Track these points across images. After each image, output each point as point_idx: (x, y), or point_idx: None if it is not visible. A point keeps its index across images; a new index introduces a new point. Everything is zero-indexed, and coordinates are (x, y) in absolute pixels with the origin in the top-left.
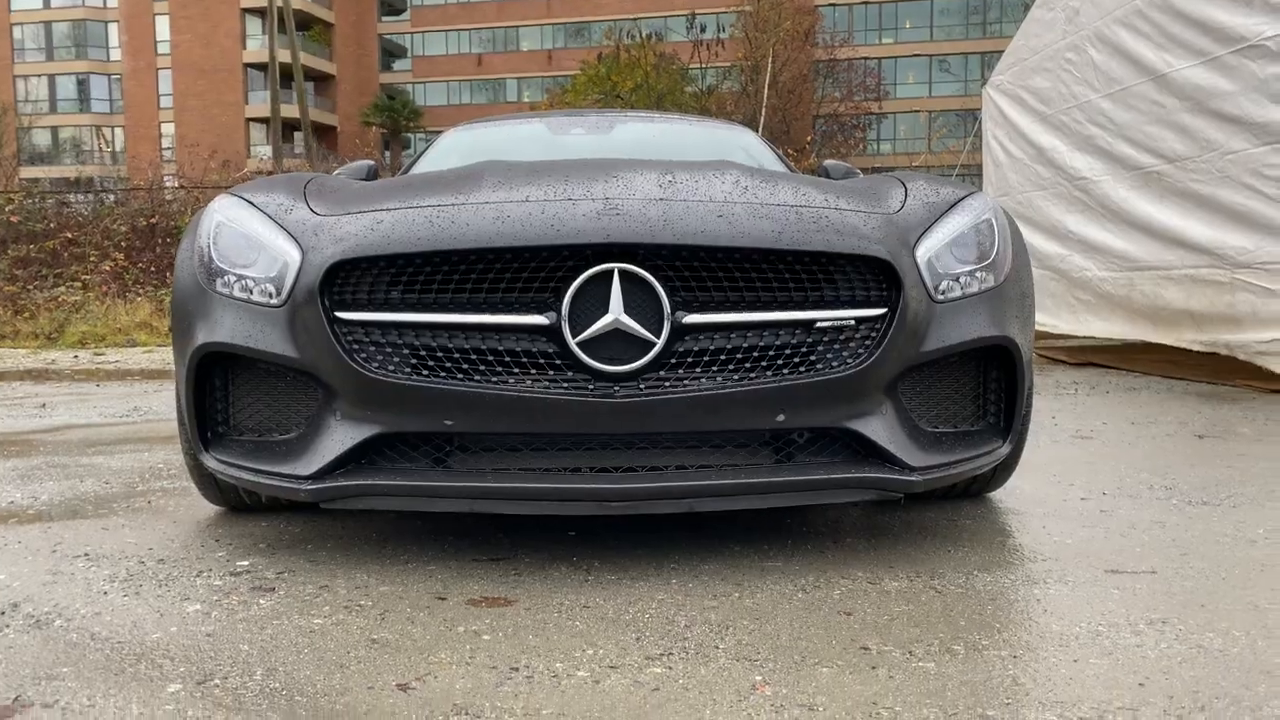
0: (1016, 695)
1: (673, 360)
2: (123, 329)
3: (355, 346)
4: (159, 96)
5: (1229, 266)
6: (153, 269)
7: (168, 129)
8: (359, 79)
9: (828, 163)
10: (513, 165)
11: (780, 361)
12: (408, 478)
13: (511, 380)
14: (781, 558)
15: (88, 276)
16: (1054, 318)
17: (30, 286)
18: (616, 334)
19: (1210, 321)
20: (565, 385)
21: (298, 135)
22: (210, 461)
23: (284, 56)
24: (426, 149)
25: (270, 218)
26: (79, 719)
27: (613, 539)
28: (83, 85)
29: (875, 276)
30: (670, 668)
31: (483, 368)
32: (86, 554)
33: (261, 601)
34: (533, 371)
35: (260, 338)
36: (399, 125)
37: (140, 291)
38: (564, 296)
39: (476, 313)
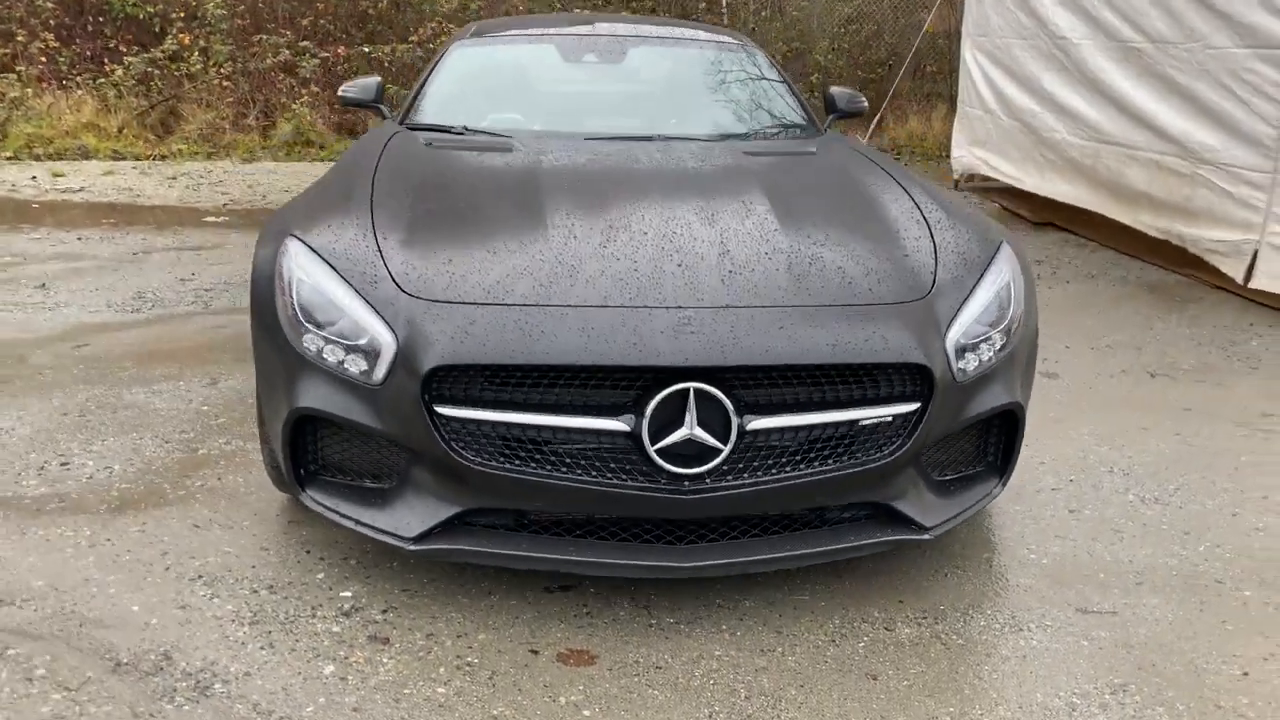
0: None
1: (736, 459)
2: (69, 131)
3: (453, 437)
4: None
5: (1193, 160)
6: (88, 53)
7: None
8: None
9: (833, 90)
10: (564, 187)
11: (826, 453)
12: (500, 545)
13: (589, 473)
14: (807, 591)
15: (21, 68)
16: (1020, 171)
17: None
18: (695, 441)
19: (1168, 210)
20: (640, 479)
21: None
22: (309, 503)
23: None
24: (435, 68)
25: (350, 281)
26: None
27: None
28: None
29: (912, 376)
30: None
31: (568, 460)
32: (200, 576)
33: (384, 661)
34: (611, 466)
35: (356, 410)
36: None
37: (77, 82)
38: (645, 408)
39: (564, 415)
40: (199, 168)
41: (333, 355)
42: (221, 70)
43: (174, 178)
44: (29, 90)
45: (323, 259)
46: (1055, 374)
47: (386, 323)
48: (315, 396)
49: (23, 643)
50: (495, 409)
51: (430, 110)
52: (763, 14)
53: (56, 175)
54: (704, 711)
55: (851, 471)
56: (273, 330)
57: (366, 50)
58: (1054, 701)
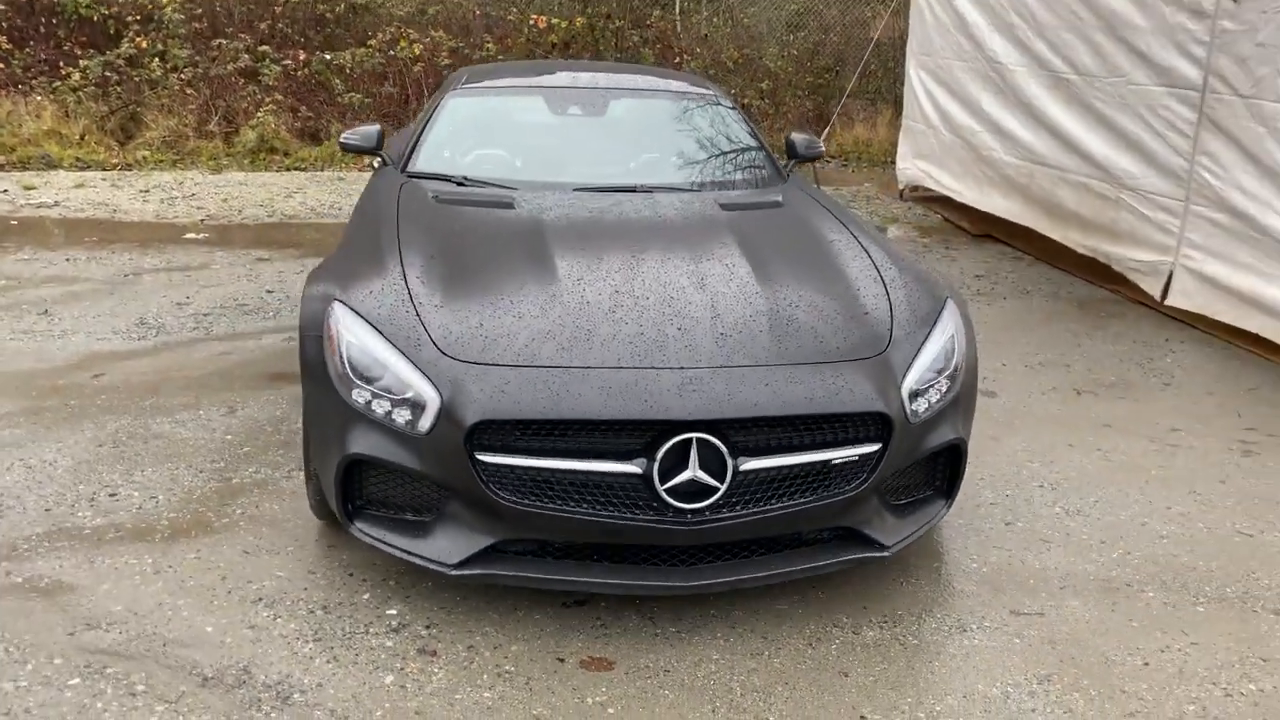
0: None
1: (731, 495)
2: (30, 139)
3: (492, 479)
4: None
5: (1116, 185)
6: (42, 57)
7: None
8: None
9: (794, 136)
10: (571, 246)
11: (804, 487)
12: (529, 569)
13: (608, 509)
14: (786, 601)
15: None
16: (961, 184)
17: None
18: (696, 481)
19: (1095, 229)
20: (649, 513)
21: None
22: (358, 534)
23: None
24: (431, 117)
25: (395, 343)
26: None
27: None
28: None
29: (875, 422)
30: None
31: (589, 498)
32: (260, 599)
33: (435, 671)
34: (626, 502)
35: (403, 456)
36: None
37: (34, 86)
38: (655, 454)
39: (587, 460)
40: (168, 179)
41: (380, 407)
42: (181, 75)
43: (146, 190)
44: None
45: (367, 322)
46: (994, 392)
47: (431, 381)
48: (365, 444)
49: (118, 662)
50: (528, 455)
51: (430, 159)
52: (714, 20)
53: (28, 188)
54: (707, 707)
55: (825, 502)
56: (323, 384)
57: (327, 57)
58: (992, 691)
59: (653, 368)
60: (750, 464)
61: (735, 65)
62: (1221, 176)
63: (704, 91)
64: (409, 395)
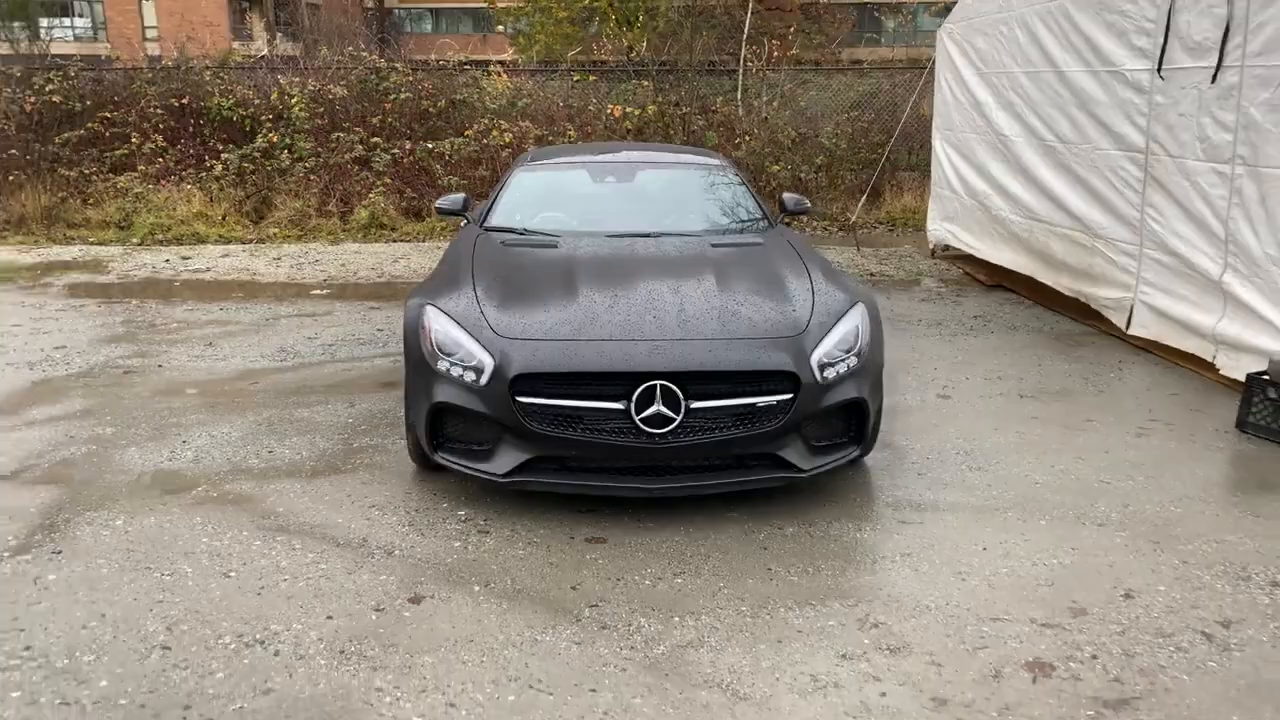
0: (844, 590)
1: (685, 424)
2: (182, 220)
3: (525, 414)
4: None
5: (1091, 235)
6: (191, 153)
7: None
8: None
9: (785, 195)
10: (591, 271)
11: (738, 422)
12: (552, 477)
13: (601, 432)
14: (737, 512)
15: (144, 166)
16: (979, 242)
17: (89, 172)
18: (658, 414)
19: (1078, 274)
20: (630, 436)
21: None
22: (440, 460)
23: None
24: (503, 187)
25: (466, 329)
26: (442, 604)
27: (646, 501)
28: None
29: (789, 377)
30: (685, 579)
31: (589, 426)
32: (373, 506)
33: (488, 540)
34: (614, 429)
35: (469, 401)
36: None
37: (185, 176)
38: (633, 394)
39: (589, 399)
40: (295, 249)
41: (455, 371)
42: (305, 164)
43: (278, 258)
44: (149, 186)
45: (449, 317)
46: (949, 396)
47: (489, 352)
48: (445, 395)
49: (281, 535)
50: (550, 397)
51: (501, 217)
52: (773, 104)
53: (185, 258)
54: (664, 562)
55: (754, 433)
56: (418, 360)
57: (430, 146)
58: (866, 559)
59: (633, 340)
60: (698, 404)
61: (792, 144)
62: (1163, 224)
63: (713, 163)
64: (473, 362)
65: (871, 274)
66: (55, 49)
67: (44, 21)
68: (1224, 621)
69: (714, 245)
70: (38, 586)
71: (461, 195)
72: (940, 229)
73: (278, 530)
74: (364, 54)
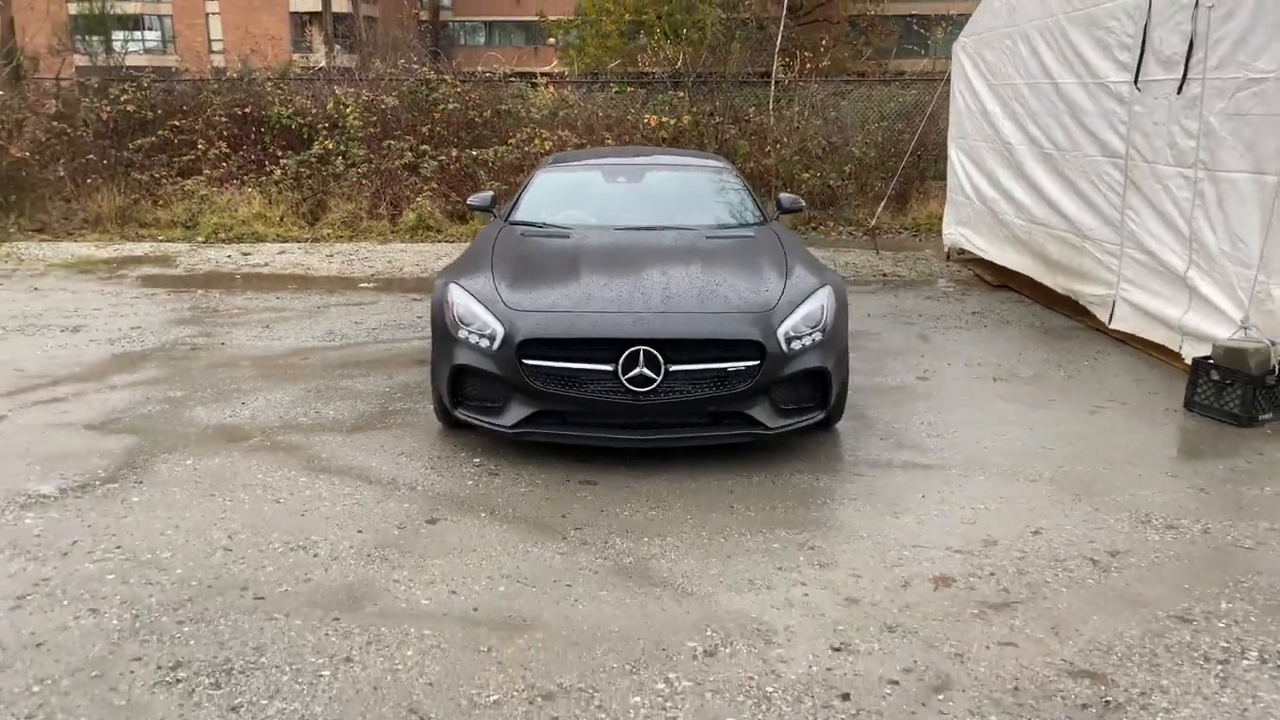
0: (792, 522)
1: (665, 384)
2: (243, 220)
3: (529, 374)
4: None
5: (1080, 236)
6: (252, 158)
7: None
8: None
9: (782, 195)
10: (594, 257)
11: (712, 384)
12: (553, 428)
13: (593, 390)
14: (714, 464)
15: (208, 170)
16: (988, 244)
17: (159, 176)
18: (641, 375)
19: (1070, 273)
20: (618, 394)
21: None
22: (459, 414)
23: None
24: (526, 186)
25: (482, 303)
26: (453, 525)
27: (636, 454)
28: None
29: (755, 346)
30: (659, 512)
31: (582, 384)
32: (401, 454)
33: (496, 480)
34: (604, 388)
35: (483, 363)
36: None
37: (246, 180)
38: (620, 357)
39: (583, 362)
40: (347, 248)
41: (472, 338)
42: (358, 170)
43: (330, 256)
44: (213, 189)
45: (469, 293)
46: (927, 379)
47: (501, 321)
48: (464, 358)
49: (324, 473)
50: (551, 360)
51: (523, 213)
52: (804, 114)
53: (245, 254)
54: (644, 500)
55: (725, 393)
56: (442, 331)
57: (474, 153)
58: (818, 500)
59: (621, 312)
60: (676, 367)
61: (823, 153)
62: (1139, 224)
63: (716, 164)
64: (488, 331)
65: (885, 274)
66: (128, 61)
67: (118, 35)
68: (1113, 552)
69: (708, 237)
70: (124, 505)
71: (490, 193)
72: (955, 233)
73: (320, 470)
74: (415, 66)
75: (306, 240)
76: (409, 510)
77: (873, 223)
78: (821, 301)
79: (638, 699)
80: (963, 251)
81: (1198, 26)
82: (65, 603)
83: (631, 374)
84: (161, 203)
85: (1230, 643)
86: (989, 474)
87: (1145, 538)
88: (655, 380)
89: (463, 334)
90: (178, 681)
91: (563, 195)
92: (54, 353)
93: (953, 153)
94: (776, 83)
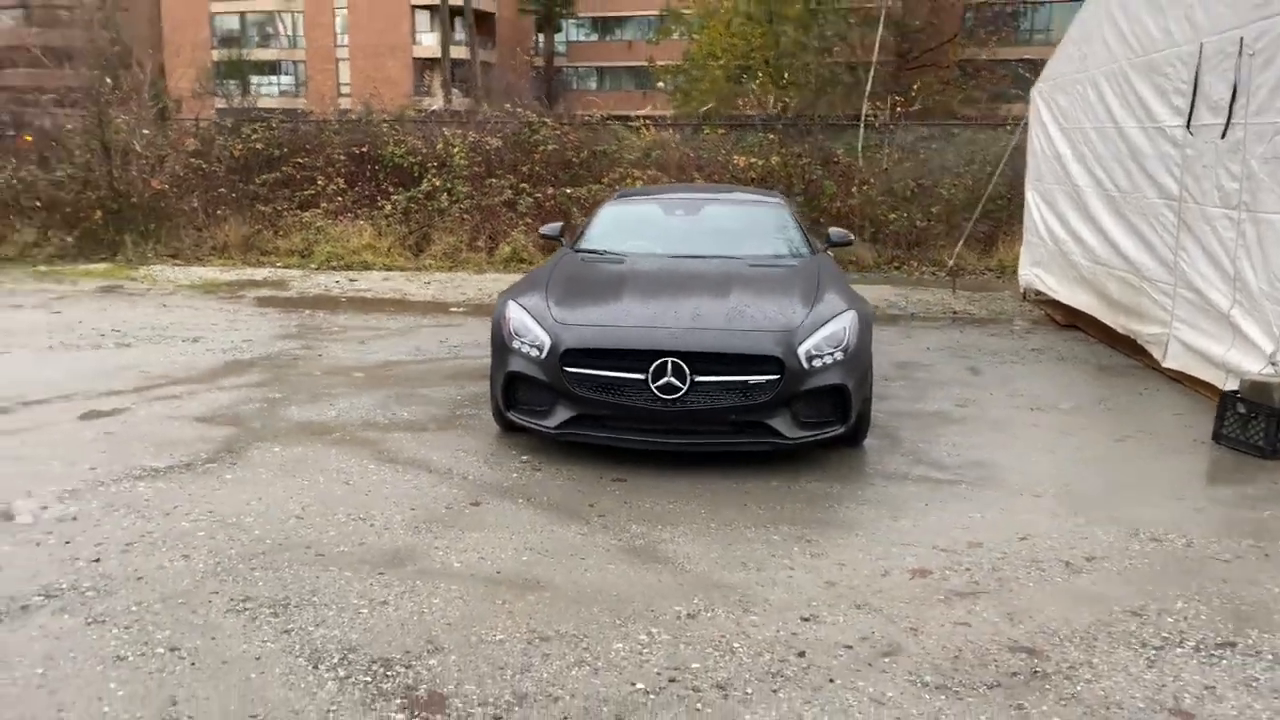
0: (795, 519)
1: (691, 393)
2: (354, 250)
3: (571, 380)
4: None
5: (1139, 276)
6: (366, 194)
7: (341, 14)
8: None
9: (831, 230)
10: (640, 280)
11: (734, 394)
12: (592, 429)
13: (627, 396)
14: (737, 469)
15: (325, 204)
16: (1058, 284)
17: (281, 208)
18: (669, 384)
19: (1129, 313)
20: (648, 400)
21: (459, 22)
22: (511, 416)
23: None
24: (593, 218)
25: (534, 318)
26: (492, 508)
27: (666, 457)
28: None
29: (776, 362)
30: (677, 506)
31: (617, 391)
32: (461, 450)
33: (538, 474)
34: (636, 394)
35: (532, 370)
36: (551, 13)
37: (359, 214)
38: (650, 367)
39: (618, 370)
40: (444, 276)
41: (524, 348)
42: (461, 205)
43: (428, 283)
44: (328, 221)
45: (524, 309)
46: (965, 406)
47: (549, 334)
48: (516, 365)
49: (394, 464)
50: (590, 368)
51: (588, 241)
52: (894, 156)
53: (352, 280)
54: (665, 496)
55: (747, 404)
56: (499, 341)
57: (569, 191)
58: (827, 505)
59: (653, 326)
60: (701, 378)
61: (910, 194)
62: (1190, 265)
63: (771, 200)
64: (538, 342)
65: (955, 312)
66: (262, 103)
67: (256, 79)
68: (1090, 557)
69: (751, 266)
70: (219, 481)
71: (559, 224)
72: (1029, 274)
73: (388, 460)
74: (521, 110)
75: (409, 269)
76: (457, 495)
77: (951, 262)
78: (845, 324)
79: (620, 645)
80: (1039, 293)
81: (1240, 74)
82: (163, 549)
83: (660, 382)
84: (281, 232)
85: (1171, 634)
86: (996, 489)
87: (1126, 547)
88: (682, 389)
89: (516, 344)
90: (244, 610)
91: (624, 226)
92: (175, 359)
93: (1029, 195)
94: (867, 125)
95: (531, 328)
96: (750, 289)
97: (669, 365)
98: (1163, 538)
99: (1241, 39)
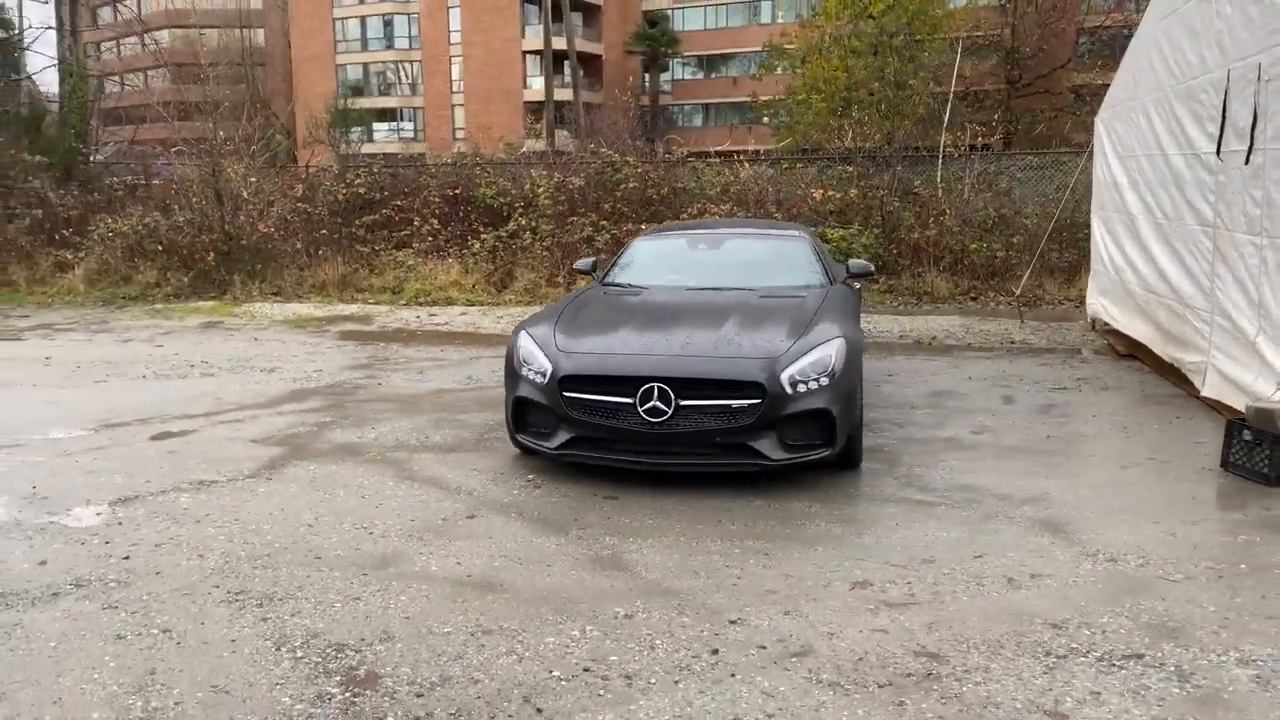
0: (761, 534)
1: (677, 416)
2: (441, 286)
3: (569, 405)
4: (449, 33)
5: (1182, 304)
6: (458, 233)
7: (457, 63)
8: (623, 6)
9: (851, 261)
10: (647, 310)
11: (719, 418)
12: (588, 450)
13: (618, 419)
14: (726, 489)
15: (418, 244)
16: (1120, 313)
17: (377, 248)
18: (655, 407)
19: (1176, 342)
20: (636, 423)
21: (568, 64)
22: (520, 439)
23: None
24: (623, 252)
25: (540, 346)
26: (485, 520)
27: (660, 477)
28: (388, 25)
29: (756, 387)
30: (655, 521)
31: (611, 414)
32: (475, 469)
33: (537, 492)
34: (626, 417)
35: (537, 395)
36: (658, 53)
37: (449, 252)
38: (638, 392)
39: (611, 395)
40: (519, 311)
41: (530, 374)
42: (543, 243)
43: (501, 317)
44: (419, 259)
45: (532, 338)
46: (980, 434)
47: (551, 361)
48: (524, 390)
49: (436, 487)
50: (586, 393)
51: (615, 274)
52: (975, 187)
53: (431, 315)
54: (650, 513)
55: (732, 426)
56: (511, 368)
57: (644, 228)
58: (798, 523)
59: (642, 354)
60: (686, 401)
61: (991, 225)
62: (1224, 292)
63: (795, 234)
64: (541, 368)
65: (1013, 341)
66: (387, 149)
67: (380, 126)
68: (1035, 575)
69: (761, 296)
70: (251, 493)
71: (592, 259)
72: (1096, 303)
73: (407, 478)
74: (602, 150)
75: (488, 304)
76: (457, 508)
77: (1018, 291)
78: (830, 351)
79: (552, 639)
80: (1105, 323)
81: (1259, 99)
82: (184, 550)
83: (647, 406)
84: (376, 270)
85: (1081, 645)
86: (973, 511)
87: (1077, 567)
88: (667, 412)
89: (524, 371)
90: (235, 601)
91: (651, 259)
92: (249, 387)
93: (1094, 223)
94: (945, 156)
95: (537, 355)
96: (748, 318)
97: (655, 390)
98: (1119, 559)
99: (1260, 64)
